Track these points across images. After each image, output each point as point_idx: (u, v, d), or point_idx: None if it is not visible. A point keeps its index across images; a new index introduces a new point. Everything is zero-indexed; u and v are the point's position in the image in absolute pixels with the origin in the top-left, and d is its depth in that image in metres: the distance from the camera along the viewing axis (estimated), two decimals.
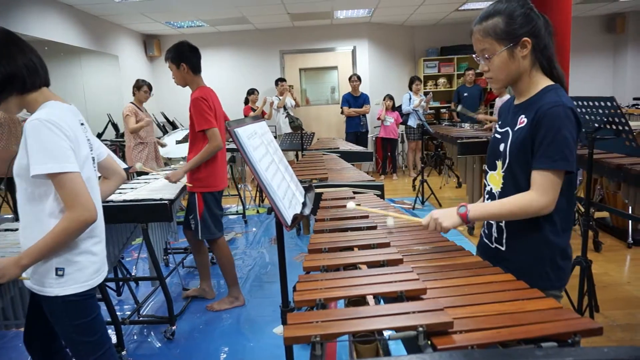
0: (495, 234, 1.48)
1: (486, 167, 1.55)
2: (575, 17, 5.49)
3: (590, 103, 2.44)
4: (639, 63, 8.55)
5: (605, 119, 2.40)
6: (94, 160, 1.65)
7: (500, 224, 1.45)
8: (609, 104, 2.35)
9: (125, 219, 2.70)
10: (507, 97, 1.46)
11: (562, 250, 1.39)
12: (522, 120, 1.37)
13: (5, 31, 1.48)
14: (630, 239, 4.14)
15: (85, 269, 1.56)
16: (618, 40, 8.70)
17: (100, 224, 1.66)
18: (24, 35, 4.68)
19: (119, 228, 2.77)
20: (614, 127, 2.39)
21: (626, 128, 2.33)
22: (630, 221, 4.16)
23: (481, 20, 1.37)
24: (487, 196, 1.53)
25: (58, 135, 1.41)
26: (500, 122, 1.53)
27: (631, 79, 8.57)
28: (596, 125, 2.45)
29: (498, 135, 1.49)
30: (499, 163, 1.45)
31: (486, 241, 1.54)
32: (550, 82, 1.37)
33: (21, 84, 1.46)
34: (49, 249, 1.44)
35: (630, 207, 2.77)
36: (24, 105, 1.51)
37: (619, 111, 2.33)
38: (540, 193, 1.28)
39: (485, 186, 1.55)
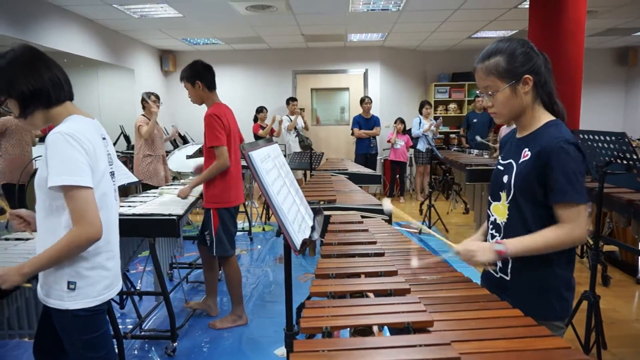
0: (499, 264, 1.48)
1: (489, 198, 1.56)
2: (588, 49, 5.52)
3: (602, 137, 2.44)
4: None
5: (616, 154, 2.40)
6: (112, 174, 1.67)
7: None
8: (619, 138, 2.35)
9: (133, 232, 2.72)
10: (514, 125, 1.51)
11: (567, 282, 1.42)
12: (526, 154, 1.40)
13: (31, 48, 1.52)
14: (639, 274, 4.08)
15: (97, 283, 1.57)
16: (630, 72, 8.73)
17: (114, 239, 1.68)
18: (45, 47, 4.79)
19: (126, 241, 2.78)
20: (625, 162, 2.38)
21: (637, 164, 2.33)
22: None
23: (483, 59, 1.41)
24: (491, 226, 1.54)
25: (76, 148, 1.44)
26: (502, 155, 1.56)
27: None
28: (607, 159, 2.45)
29: (501, 167, 1.51)
30: (502, 194, 1.47)
31: (490, 270, 1.54)
32: (552, 117, 1.42)
33: (46, 98, 1.50)
34: (51, 260, 1.46)
35: None
36: (49, 119, 1.55)
37: (630, 147, 2.33)
38: (572, 224, 1.30)
39: (488, 216, 1.56)
